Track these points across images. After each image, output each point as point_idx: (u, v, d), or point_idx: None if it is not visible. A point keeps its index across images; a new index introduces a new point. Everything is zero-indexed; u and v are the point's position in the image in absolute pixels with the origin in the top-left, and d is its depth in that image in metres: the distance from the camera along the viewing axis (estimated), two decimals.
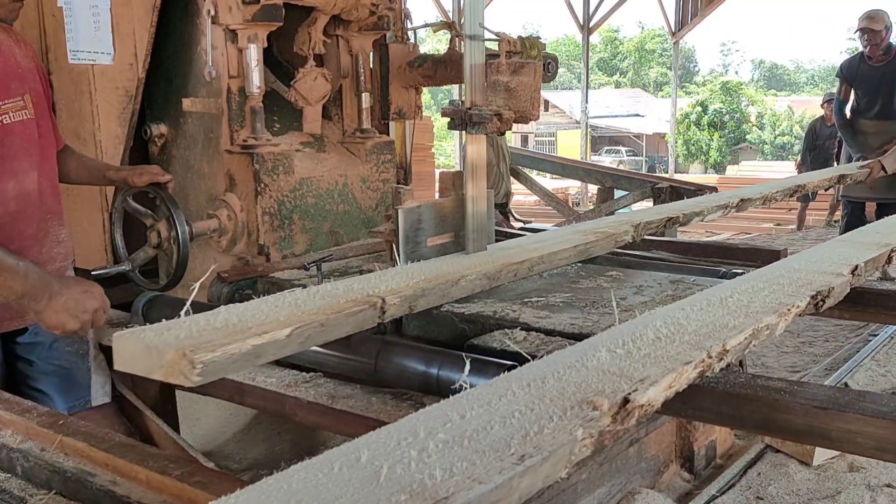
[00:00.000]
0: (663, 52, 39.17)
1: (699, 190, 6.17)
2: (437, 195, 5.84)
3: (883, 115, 5.41)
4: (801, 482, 2.43)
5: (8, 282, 1.91)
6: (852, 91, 5.66)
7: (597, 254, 2.46)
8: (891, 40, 5.42)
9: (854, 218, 5.55)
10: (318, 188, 3.02)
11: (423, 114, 3.63)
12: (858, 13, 5.51)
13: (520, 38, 2.67)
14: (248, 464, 2.78)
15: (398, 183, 3.42)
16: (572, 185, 13.41)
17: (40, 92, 2.32)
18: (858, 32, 5.45)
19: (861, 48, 5.53)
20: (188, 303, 1.48)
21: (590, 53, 14.70)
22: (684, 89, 32.03)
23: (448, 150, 21.42)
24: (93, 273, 2.60)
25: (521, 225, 5.21)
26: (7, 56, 2.22)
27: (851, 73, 5.56)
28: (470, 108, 2.39)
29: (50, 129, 2.35)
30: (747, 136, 28.63)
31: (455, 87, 5.82)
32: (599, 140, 30.99)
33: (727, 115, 28.42)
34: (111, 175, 2.56)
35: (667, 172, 17.97)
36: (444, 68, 3.07)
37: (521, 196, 9.69)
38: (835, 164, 6.69)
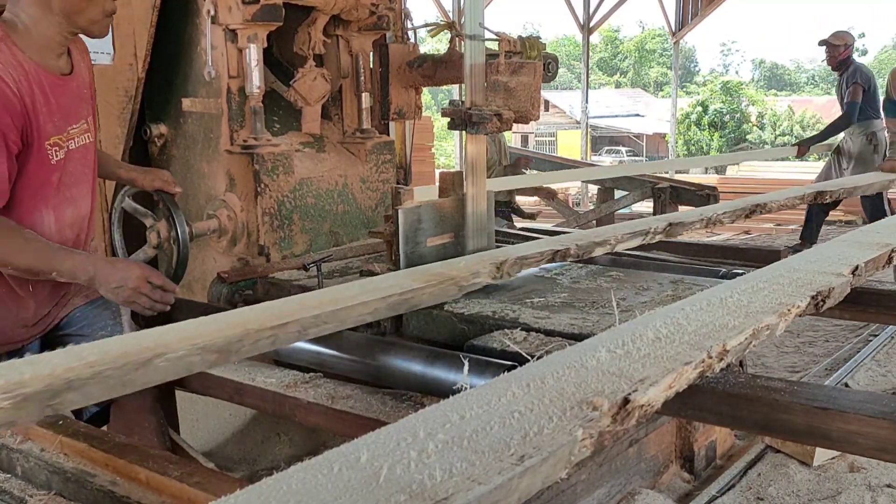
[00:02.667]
0: (663, 52, 39.15)
1: (699, 190, 6.17)
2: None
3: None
4: (802, 482, 2.42)
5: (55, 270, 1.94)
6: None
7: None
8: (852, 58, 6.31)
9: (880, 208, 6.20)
10: (317, 188, 3.02)
11: (423, 114, 3.63)
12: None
13: (520, 38, 2.67)
14: (248, 464, 2.78)
15: (398, 183, 3.42)
16: (572, 186, 13.39)
17: (94, 108, 2.22)
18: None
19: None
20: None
21: (590, 53, 14.69)
22: (684, 89, 32.02)
23: (448, 150, 21.39)
24: None
25: (522, 225, 5.20)
26: (81, 77, 2.11)
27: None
28: (470, 108, 2.40)
29: (97, 148, 2.26)
30: (748, 136, 28.56)
31: (455, 87, 5.81)
32: (600, 140, 30.99)
33: (727, 115, 28.37)
34: (121, 173, 2.52)
35: (667, 172, 17.95)
36: (444, 68, 3.06)
37: (520, 196, 9.67)
38: None
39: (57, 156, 2.00)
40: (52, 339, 2.24)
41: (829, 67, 6.43)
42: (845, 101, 6.13)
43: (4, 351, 2.12)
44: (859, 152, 6.01)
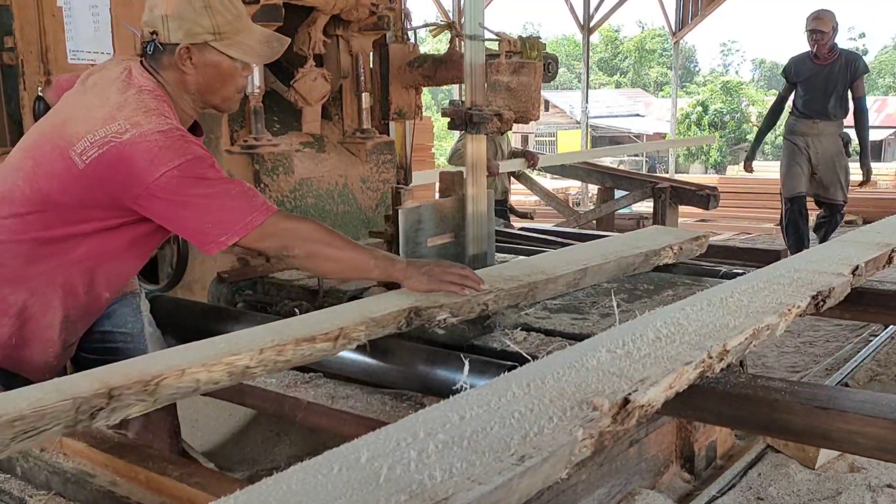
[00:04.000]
0: (664, 52, 39.11)
1: (699, 190, 6.16)
2: (436, 195, 5.82)
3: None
4: (802, 483, 2.42)
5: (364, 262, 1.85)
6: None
7: None
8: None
9: (798, 213, 5.58)
10: (317, 188, 3.02)
11: (423, 114, 3.63)
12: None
13: (520, 38, 2.67)
14: (248, 464, 2.78)
15: (398, 183, 3.42)
16: (573, 185, 13.40)
17: None
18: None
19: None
20: None
21: (590, 53, 14.68)
22: (685, 89, 31.99)
23: (448, 150, 21.41)
24: None
25: (522, 225, 5.21)
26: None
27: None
28: (470, 108, 2.40)
29: None
30: (748, 136, 28.56)
31: (455, 87, 5.82)
32: (600, 140, 30.94)
33: (727, 115, 28.37)
34: None
35: (667, 172, 17.96)
36: (444, 68, 3.07)
37: (521, 196, 9.67)
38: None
39: None
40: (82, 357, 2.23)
41: (815, 60, 5.45)
42: (854, 95, 5.40)
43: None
44: (835, 153, 5.42)
